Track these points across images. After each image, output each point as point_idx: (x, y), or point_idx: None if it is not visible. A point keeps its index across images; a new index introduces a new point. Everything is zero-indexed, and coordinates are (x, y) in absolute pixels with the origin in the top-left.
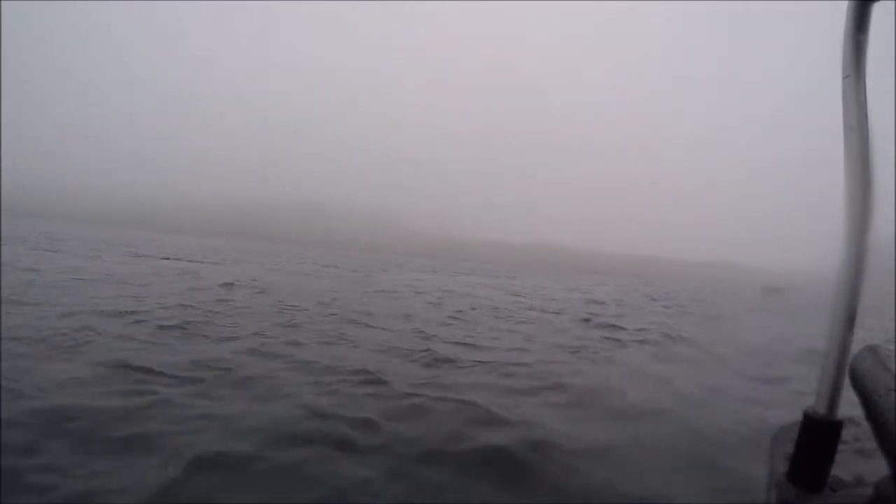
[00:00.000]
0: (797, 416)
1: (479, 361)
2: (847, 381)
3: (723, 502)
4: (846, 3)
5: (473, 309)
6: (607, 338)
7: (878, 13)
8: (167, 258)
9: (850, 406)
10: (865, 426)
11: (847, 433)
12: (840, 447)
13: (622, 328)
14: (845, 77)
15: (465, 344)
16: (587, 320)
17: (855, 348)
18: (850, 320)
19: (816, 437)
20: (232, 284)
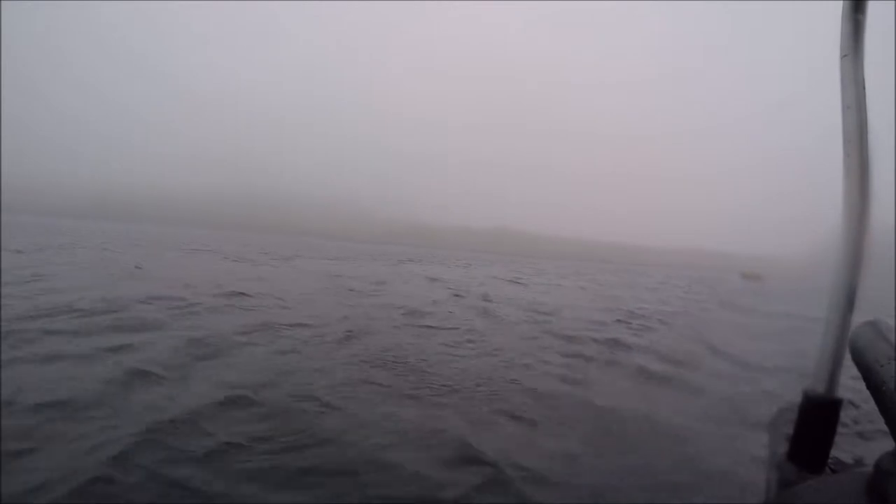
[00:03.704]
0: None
1: None
2: (845, 368)
3: (723, 502)
4: None
5: None
6: None
7: None
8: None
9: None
10: (864, 409)
11: (846, 416)
12: (840, 430)
13: None
14: (843, 57)
15: None
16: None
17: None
18: (849, 300)
19: (816, 415)
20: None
